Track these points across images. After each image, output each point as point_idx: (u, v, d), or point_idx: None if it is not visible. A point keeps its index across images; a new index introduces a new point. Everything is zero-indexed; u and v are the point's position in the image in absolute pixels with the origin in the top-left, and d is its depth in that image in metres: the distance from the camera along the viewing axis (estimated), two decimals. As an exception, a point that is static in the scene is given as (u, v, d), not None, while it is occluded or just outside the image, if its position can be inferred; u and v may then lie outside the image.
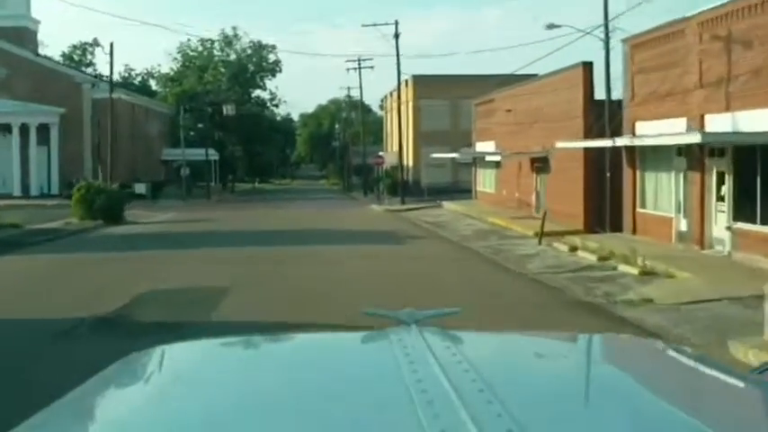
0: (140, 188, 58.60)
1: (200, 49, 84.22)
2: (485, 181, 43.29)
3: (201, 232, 30.33)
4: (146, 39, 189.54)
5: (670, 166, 22.77)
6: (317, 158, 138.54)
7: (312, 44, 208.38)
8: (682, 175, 22.14)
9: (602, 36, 27.73)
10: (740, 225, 19.26)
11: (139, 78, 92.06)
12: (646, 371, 2.08)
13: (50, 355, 10.40)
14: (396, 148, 69.00)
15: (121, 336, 11.53)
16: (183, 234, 29.84)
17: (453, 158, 55.74)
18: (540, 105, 32.20)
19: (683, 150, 21.66)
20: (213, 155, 72.86)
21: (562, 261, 21.52)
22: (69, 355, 10.17)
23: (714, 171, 20.45)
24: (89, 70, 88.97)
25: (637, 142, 21.27)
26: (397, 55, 49.72)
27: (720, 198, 20.22)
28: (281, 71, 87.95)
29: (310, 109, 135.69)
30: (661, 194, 23.54)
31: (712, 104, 20.01)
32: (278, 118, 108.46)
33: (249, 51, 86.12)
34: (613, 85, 27.96)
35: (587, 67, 28.54)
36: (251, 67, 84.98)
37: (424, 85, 58.75)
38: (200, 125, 72.70)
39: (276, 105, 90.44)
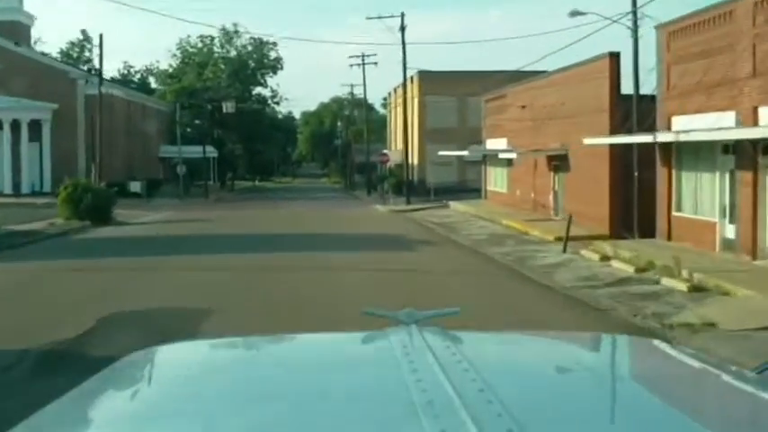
0: (135, 186, 55.94)
1: (200, 45, 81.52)
2: (495, 180, 40.58)
3: (192, 235, 27.66)
4: (146, 35, 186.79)
5: (713, 165, 20.11)
6: (319, 157, 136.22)
7: (314, 42, 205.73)
8: (728, 175, 19.47)
9: (630, 24, 25.09)
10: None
11: (139, 76, 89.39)
12: (646, 371, 2.06)
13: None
14: (400, 146, 66.35)
15: (69, 375, 8.83)
16: (172, 237, 27.17)
17: (460, 156, 53.20)
18: (560, 100, 29.52)
19: (730, 147, 19.00)
20: (212, 152, 70.23)
21: (594, 272, 18.83)
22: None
23: (770, 170, 17.79)
24: (86, 67, 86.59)
25: (683, 138, 18.60)
26: (403, 48, 46.93)
27: (778, 201, 17.57)
28: (282, 68, 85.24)
29: (312, 107, 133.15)
30: (702, 197, 20.85)
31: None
32: (279, 116, 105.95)
33: (250, 48, 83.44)
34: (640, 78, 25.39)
35: (614, 57, 25.84)
36: (251, 64, 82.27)
37: (430, 80, 55.93)
38: (197, 121, 69.83)
39: (277, 103, 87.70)
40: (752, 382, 2.01)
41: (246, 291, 15.18)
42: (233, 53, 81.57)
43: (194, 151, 63.66)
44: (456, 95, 56.01)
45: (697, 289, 15.88)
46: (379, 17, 46.57)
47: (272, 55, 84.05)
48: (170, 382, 1.98)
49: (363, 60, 61.21)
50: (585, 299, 15.56)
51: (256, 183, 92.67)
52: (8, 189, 54.55)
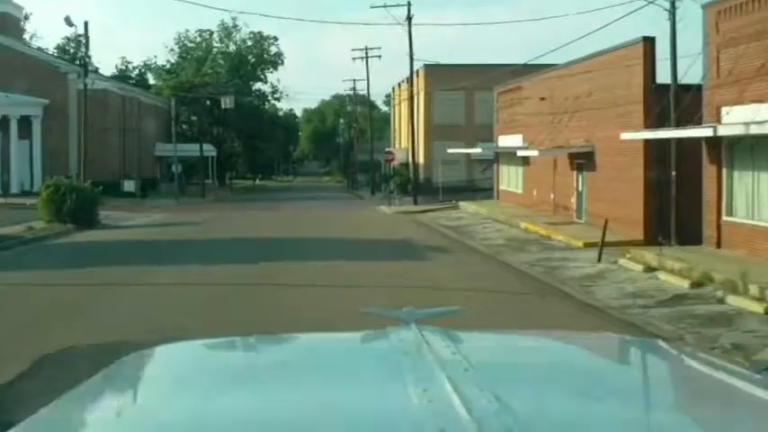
0: (129, 185, 53.19)
1: (199, 40, 78.72)
2: (509, 179, 37.71)
3: (181, 241, 24.85)
4: (146, 29, 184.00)
5: (775, 163, 17.32)
6: (321, 155, 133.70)
7: (316, 41, 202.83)
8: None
9: (667, 5, 22.28)
10: None
11: (137, 72, 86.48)
12: (646, 371, 2.05)
13: None
14: (404, 144, 63.51)
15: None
16: (159, 243, 24.37)
17: (468, 155, 50.40)
18: (585, 91, 26.67)
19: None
20: (211, 151, 67.46)
21: (641, 287, 16.02)
22: None
23: None
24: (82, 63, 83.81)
25: (755, 130, 15.76)
26: (410, 38, 44.02)
27: None
28: (282, 63, 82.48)
29: (313, 105, 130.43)
30: (761, 200, 18.03)
31: None
32: (280, 113, 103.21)
33: (249, 43, 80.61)
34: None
35: (649, 42, 23.01)
36: (251, 59, 79.42)
37: (437, 75, 52.99)
38: (193, 117, 66.93)
39: (278, 99, 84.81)
40: (754, 383, 1.94)
41: (232, 315, 12.34)
42: (232, 48, 78.75)
43: (192, 149, 60.95)
44: (463, 90, 53.12)
45: (775, 311, 13.12)
46: (385, 6, 43.66)
47: (273, 50, 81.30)
48: (170, 381, 1.94)
49: (367, 54, 58.33)
50: (640, 323, 12.76)
51: (256, 182, 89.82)
52: (-4, 188, 51.86)
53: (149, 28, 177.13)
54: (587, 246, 22.18)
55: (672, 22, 22.23)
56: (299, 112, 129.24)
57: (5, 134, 53.23)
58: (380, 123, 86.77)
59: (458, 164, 52.27)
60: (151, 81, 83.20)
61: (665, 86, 22.12)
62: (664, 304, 14.33)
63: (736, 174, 18.99)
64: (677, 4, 22.12)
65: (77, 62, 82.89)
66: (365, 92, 69.29)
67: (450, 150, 44.72)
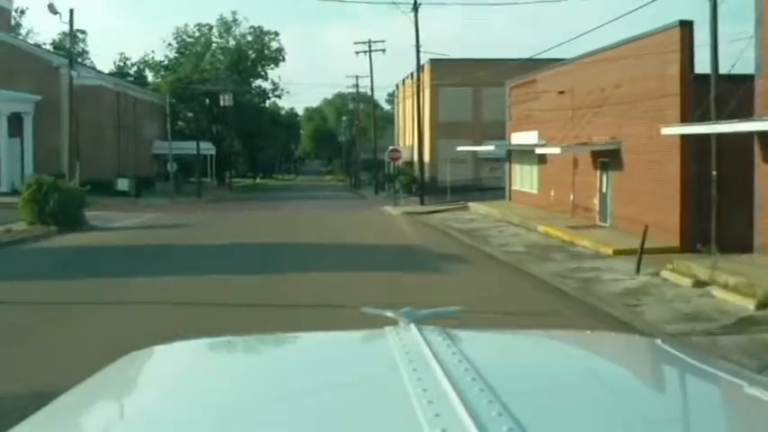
0: (123, 184, 50.77)
1: (197, 34, 76.22)
2: (522, 179, 35.22)
3: (169, 245, 22.41)
4: (145, 26, 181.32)
5: None
6: (323, 154, 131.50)
7: (317, 40, 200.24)
8: None
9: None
10: None
11: (135, 68, 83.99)
12: (646, 370, 2.04)
13: None
14: (408, 142, 61.06)
15: None
16: (142, 248, 21.91)
17: (475, 153, 47.93)
18: (611, 83, 24.22)
19: None
20: (209, 149, 65.03)
21: (696, 307, 13.55)
22: None
23: None
24: (79, 59, 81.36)
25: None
26: (416, 29, 41.39)
27: None
28: (284, 59, 79.90)
29: (315, 103, 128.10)
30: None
31: None
32: (281, 112, 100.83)
33: (250, 38, 78.11)
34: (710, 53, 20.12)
35: (686, 27, 20.54)
36: (251, 55, 76.91)
37: (443, 70, 50.41)
38: (189, 114, 64.42)
39: (278, 96, 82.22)
40: (753, 382, 1.89)
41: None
42: (232, 43, 76.25)
43: (190, 147, 58.51)
44: (471, 86, 50.70)
45: None
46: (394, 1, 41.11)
47: (274, 45, 78.82)
48: (169, 381, 1.91)
49: (370, 47, 55.78)
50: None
51: (257, 181, 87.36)
52: (-14, 187, 49.43)
53: (149, 25, 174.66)
54: (618, 253, 19.76)
55: (713, 3, 19.78)
56: (300, 111, 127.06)
57: (-5, 131, 50.83)
58: (382, 122, 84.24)
59: (464, 163, 49.79)
60: (150, 79, 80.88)
61: (704, 76, 19.68)
62: (731, 330, 11.88)
63: (795, 174, 16.56)
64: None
65: (78, 59, 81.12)
66: (367, 89, 66.89)
67: (459, 148, 42.19)
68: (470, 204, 36.39)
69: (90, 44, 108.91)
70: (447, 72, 49.89)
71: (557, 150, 25.90)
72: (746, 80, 17.86)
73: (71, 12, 37.75)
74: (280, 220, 32.20)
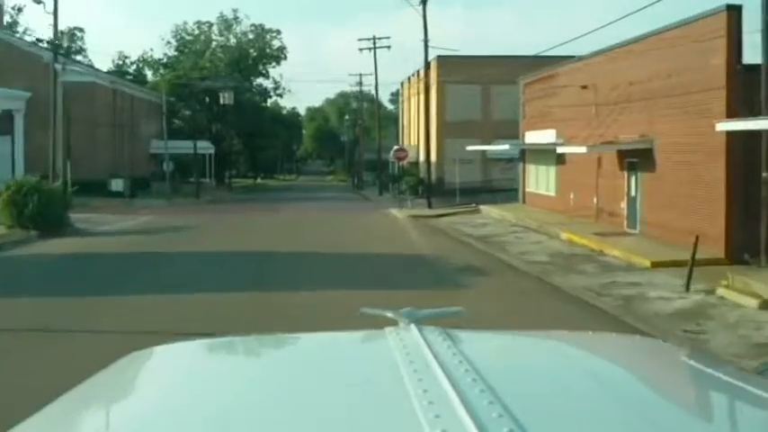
0: (117, 185, 48.48)
1: (197, 32, 74.00)
2: (537, 181, 32.92)
3: (157, 254, 20.17)
4: (145, 25, 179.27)
5: None
6: (325, 154, 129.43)
7: (319, 41, 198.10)
8: None
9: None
10: None
11: (134, 67, 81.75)
12: (648, 370, 2.01)
13: None
14: (413, 141, 58.80)
15: None
16: (126, 258, 19.68)
17: (484, 153, 45.69)
18: (642, 76, 21.94)
19: None
20: (208, 148, 62.79)
21: (771, 335, 11.32)
22: None
23: None
24: (78, 57, 79.16)
25: None
26: (425, 23, 39.01)
27: None
28: (285, 58, 77.61)
29: (318, 103, 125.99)
30: None
31: None
32: (283, 111, 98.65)
33: (251, 36, 75.85)
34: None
35: (734, 12, 18.27)
36: (252, 53, 74.65)
37: (451, 67, 48.09)
38: (187, 112, 62.17)
39: (280, 95, 79.91)
40: (753, 383, 1.90)
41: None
42: (233, 41, 74.01)
43: (188, 147, 56.26)
44: (479, 83, 48.45)
45: None
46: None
47: (276, 44, 76.56)
48: (169, 381, 1.89)
49: (375, 44, 53.45)
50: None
51: (258, 181, 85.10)
52: (-26, 188, 47.18)
53: (151, 23, 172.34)
54: (657, 266, 17.51)
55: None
56: (302, 111, 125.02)
57: (-15, 129, 48.64)
58: (385, 122, 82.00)
59: (472, 163, 47.49)
60: (150, 77, 78.67)
61: (755, 67, 17.42)
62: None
63: None
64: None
65: (80, 57, 78.96)
66: (371, 88, 64.65)
67: (469, 148, 39.86)
68: (481, 207, 34.13)
69: (90, 42, 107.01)
70: (454, 69, 47.59)
71: (582, 150, 23.60)
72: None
73: (55, 1, 35.41)
74: (279, 223, 29.93)
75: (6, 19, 74.21)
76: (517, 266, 18.29)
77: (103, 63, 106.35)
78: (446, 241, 23.99)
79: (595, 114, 25.14)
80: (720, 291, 14.08)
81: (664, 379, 1.95)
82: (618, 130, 23.52)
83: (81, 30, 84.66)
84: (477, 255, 20.59)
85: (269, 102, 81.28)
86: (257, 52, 75.21)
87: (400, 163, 43.45)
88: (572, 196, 27.73)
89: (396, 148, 45.89)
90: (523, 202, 34.41)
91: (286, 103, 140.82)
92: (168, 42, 73.22)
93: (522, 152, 34.46)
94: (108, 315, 11.90)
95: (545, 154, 30.35)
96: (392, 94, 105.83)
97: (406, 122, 66.69)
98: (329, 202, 46.30)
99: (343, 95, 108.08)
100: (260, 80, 76.68)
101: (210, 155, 63.63)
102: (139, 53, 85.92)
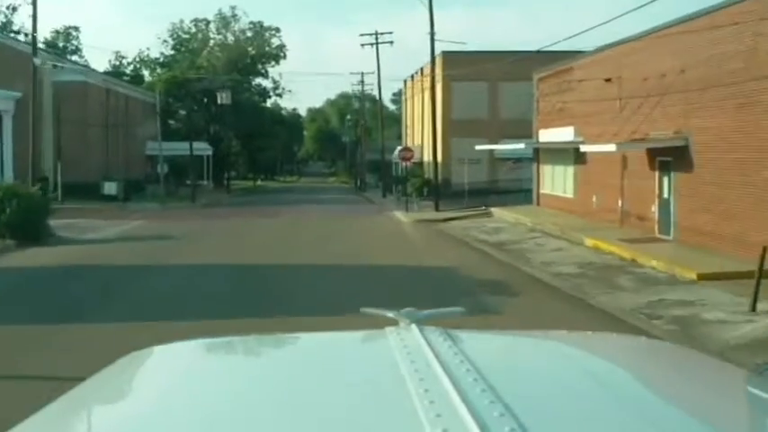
0: (110, 188, 46.24)
1: (194, 30, 71.78)
2: (553, 181, 30.68)
3: (137, 268, 17.90)
4: (144, 24, 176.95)
5: None
6: (326, 155, 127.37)
7: (321, 42, 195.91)
8: None
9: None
10: None
11: (131, 68, 79.53)
12: (648, 370, 2.00)
13: None
14: (417, 141, 56.60)
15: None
16: (102, 272, 17.42)
17: (491, 152, 43.52)
18: (675, 66, 19.73)
19: None
20: (206, 149, 60.59)
21: None
22: None
23: None
24: (74, 57, 77.06)
25: None
26: (431, 14, 36.72)
27: None
28: (285, 57, 75.35)
29: (318, 104, 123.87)
30: None
31: None
32: (284, 112, 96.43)
33: (249, 34, 73.62)
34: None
35: (787, -10, 16.09)
36: (251, 51, 72.41)
37: (456, 63, 45.79)
38: (181, 112, 59.94)
39: (280, 95, 77.63)
40: (754, 383, 1.91)
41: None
42: (231, 39, 71.78)
43: (185, 148, 54.00)
44: (486, 80, 46.27)
45: None
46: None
47: (275, 42, 74.32)
48: (169, 381, 1.86)
49: (377, 39, 51.19)
50: None
51: (258, 183, 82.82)
52: (-40, 192, 44.93)
53: (150, 24, 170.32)
54: (704, 278, 15.29)
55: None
56: (303, 112, 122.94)
57: (-27, 131, 46.41)
58: (387, 122, 79.91)
59: (479, 163, 45.28)
60: (147, 78, 76.47)
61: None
62: None
63: None
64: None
65: (76, 57, 76.80)
66: (372, 88, 62.53)
67: (479, 147, 37.67)
68: (493, 210, 31.91)
69: (88, 43, 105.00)
70: (460, 66, 45.28)
71: (611, 148, 21.31)
72: None
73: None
74: (276, 229, 27.69)
75: (0, 19, 72.27)
76: (546, 281, 16.04)
77: (101, 63, 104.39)
78: (460, 250, 21.73)
79: (620, 109, 22.91)
80: (793, 312, 11.86)
81: (664, 379, 1.89)
82: (648, 127, 21.31)
83: (76, 29, 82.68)
84: (497, 266, 18.34)
85: (269, 102, 79.07)
86: (256, 51, 73.01)
87: (405, 164, 41.21)
88: (594, 199, 25.48)
89: (401, 147, 43.67)
90: (537, 204, 32.18)
91: (287, 104, 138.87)
92: (165, 41, 71.02)
93: (536, 151, 32.23)
94: (50, 351, 9.65)
95: (561, 153, 28.15)
96: (394, 94, 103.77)
97: (409, 122, 64.50)
98: (331, 205, 44.06)
99: (344, 96, 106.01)
100: (259, 80, 74.46)
101: (208, 156, 61.45)
102: (136, 53, 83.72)
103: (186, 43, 71.11)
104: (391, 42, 51.92)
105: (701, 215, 18.80)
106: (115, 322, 11.06)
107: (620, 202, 23.32)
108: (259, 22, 73.06)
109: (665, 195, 20.82)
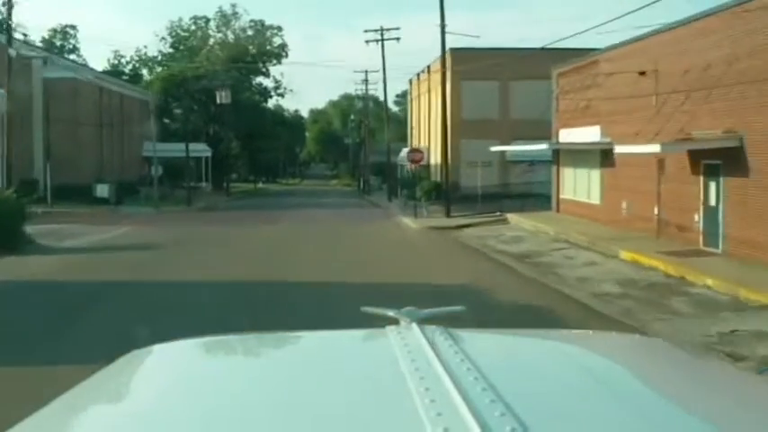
0: (102, 190, 43.82)
1: (193, 28, 69.45)
2: (575, 186, 28.18)
3: (110, 285, 15.43)
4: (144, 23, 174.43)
5: None
6: (328, 157, 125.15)
7: (323, 45, 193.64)
8: None
9: None
10: None
11: (130, 67, 77.19)
12: (649, 370, 1.98)
13: None
14: (423, 143, 54.17)
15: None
16: (70, 290, 14.92)
17: (503, 154, 41.13)
18: (724, 56, 17.31)
19: None
20: (205, 151, 58.23)
21: None
22: None
23: None
24: (72, 56, 74.78)
25: None
26: (441, 3, 34.12)
27: None
28: (287, 56, 73.04)
29: (321, 105, 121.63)
30: None
31: None
32: (286, 114, 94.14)
33: (250, 32, 71.30)
34: None
35: None
36: (252, 50, 70.06)
37: (466, 61, 43.31)
38: (177, 111, 57.54)
39: (281, 95, 75.27)
40: (753, 382, 1.94)
41: None
42: (231, 37, 69.43)
43: (182, 149, 51.61)
44: (497, 79, 43.91)
45: None
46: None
47: (277, 41, 71.98)
48: (169, 380, 1.84)
49: (382, 35, 48.71)
50: None
51: (259, 185, 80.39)
52: (-55, 194, 42.53)
53: (150, 23, 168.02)
54: (773, 305, 12.84)
55: None
56: (305, 113, 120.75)
57: (-42, 130, 43.99)
58: (390, 123, 77.62)
59: (490, 166, 42.81)
60: (147, 77, 74.13)
61: None
62: None
63: None
64: None
65: (74, 56, 74.50)
66: (376, 88, 60.04)
67: (493, 149, 35.23)
68: (509, 216, 29.46)
69: (87, 42, 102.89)
70: (471, 64, 42.81)
71: (654, 149, 18.75)
72: None
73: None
74: (274, 238, 25.21)
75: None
76: (587, 304, 13.57)
77: (100, 63, 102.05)
78: (480, 263, 19.25)
79: (657, 106, 20.46)
80: None
81: (664, 378, 1.87)
82: (691, 125, 18.86)
83: (74, 27, 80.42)
84: (525, 284, 15.85)
85: (270, 102, 76.75)
86: (257, 49, 70.68)
87: (412, 166, 38.78)
88: (624, 205, 23.01)
89: (409, 148, 41.19)
90: (557, 210, 29.70)
91: (289, 105, 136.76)
92: (163, 39, 68.66)
93: (556, 153, 29.75)
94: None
95: (585, 155, 25.72)
96: (397, 96, 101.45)
97: (415, 123, 62.06)
98: (334, 210, 41.62)
99: (347, 98, 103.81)
100: (260, 79, 72.11)
101: (207, 158, 59.10)
102: (134, 52, 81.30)
103: (185, 41, 68.77)
104: (398, 39, 49.42)
105: (757, 226, 16.36)
106: (49, 366, 8.55)
107: (655, 210, 20.86)
108: (260, 20, 70.80)
109: (712, 203, 18.35)
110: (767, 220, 16.03)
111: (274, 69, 72.06)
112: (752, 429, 1.55)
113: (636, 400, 1.62)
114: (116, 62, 75.97)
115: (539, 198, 35.54)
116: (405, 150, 49.85)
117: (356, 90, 77.81)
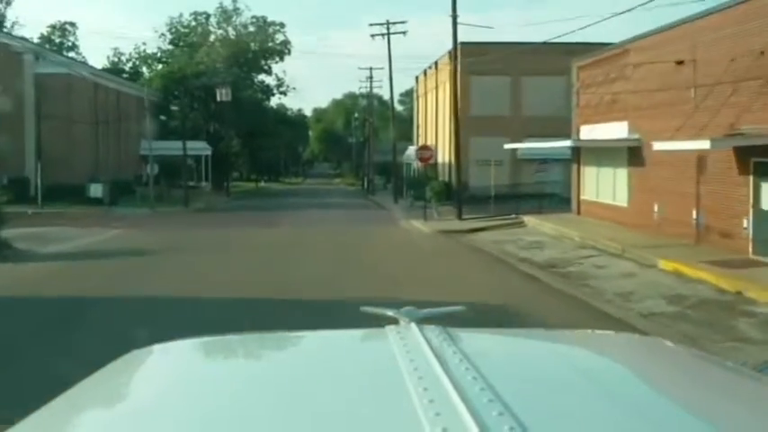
0: (96, 190, 41.81)
1: (193, 24, 67.40)
2: (598, 186, 26.03)
3: (83, 301, 13.38)
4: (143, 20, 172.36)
5: None
6: (332, 156, 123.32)
7: (328, 43, 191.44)
8: None
9: None
10: None
11: (130, 64, 75.17)
12: (648, 369, 1.96)
13: None
14: (430, 141, 52.06)
15: None
16: (35, 308, 12.85)
17: (515, 153, 39.08)
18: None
19: None
20: (204, 149, 56.24)
21: None
22: None
23: None
24: (71, 54, 72.88)
25: None
26: (453, -2, 32.03)
27: None
28: (289, 53, 71.00)
29: (324, 104, 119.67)
30: None
31: None
32: (288, 112, 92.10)
33: (252, 29, 69.24)
34: None
35: None
36: (254, 47, 68.00)
37: (475, 56, 41.16)
38: (174, 108, 55.53)
39: (284, 93, 73.20)
40: (754, 381, 1.90)
41: None
42: (232, 34, 67.38)
43: (177, 148, 49.55)
44: (508, 75, 41.85)
45: None
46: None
47: (279, 38, 69.91)
48: (169, 379, 1.83)
49: (389, 29, 46.62)
50: None
51: (260, 184, 78.35)
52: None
53: (150, 23, 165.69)
54: None
55: None
56: (308, 112, 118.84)
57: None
58: (395, 122, 75.53)
59: (502, 165, 40.69)
60: (146, 75, 72.12)
61: None
62: None
63: None
64: None
65: (73, 54, 72.56)
66: (381, 86, 58.04)
67: (507, 146, 33.19)
68: (526, 219, 27.37)
69: (87, 41, 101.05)
70: (480, 58, 40.69)
71: (703, 145, 16.53)
72: None
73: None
74: (273, 244, 23.08)
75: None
76: (634, 325, 11.50)
77: (99, 61, 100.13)
78: (502, 274, 17.15)
79: (696, 99, 18.37)
80: None
81: (663, 377, 1.87)
82: (737, 119, 16.76)
83: (73, 24, 78.55)
84: (558, 300, 13.76)
85: (273, 101, 74.73)
86: (259, 46, 68.63)
87: (420, 165, 36.70)
88: (656, 208, 20.91)
89: (417, 146, 39.09)
90: (578, 212, 27.58)
91: (292, 104, 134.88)
92: (162, 35, 66.63)
93: (576, 151, 27.62)
94: None
95: (610, 153, 23.64)
96: (401, 95, 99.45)
97: (421, 121, 59.98)
98: (338, 211, 39.53)
99: (350, 96, 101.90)
100: (262, 77, 70.06)
101: (207, 156, 57.10)
102: (133, 49, 79.40)
103: (185, 38, 66.75)
104: (404, 33, 47.29)
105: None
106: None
107: (694, 214, 18.77)
108: (262, 16, 68.77)
109: (764, 206, 16.25)
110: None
111: (277, 67, 69.98)
112: (752, 429, 1.50)
113: (635, 399, 1.58)
114: (116, 60, 74.09)
115: (553, 198, 33.50)
116: (411, 149, 47.83)
117: (360, 89, 75.65)
